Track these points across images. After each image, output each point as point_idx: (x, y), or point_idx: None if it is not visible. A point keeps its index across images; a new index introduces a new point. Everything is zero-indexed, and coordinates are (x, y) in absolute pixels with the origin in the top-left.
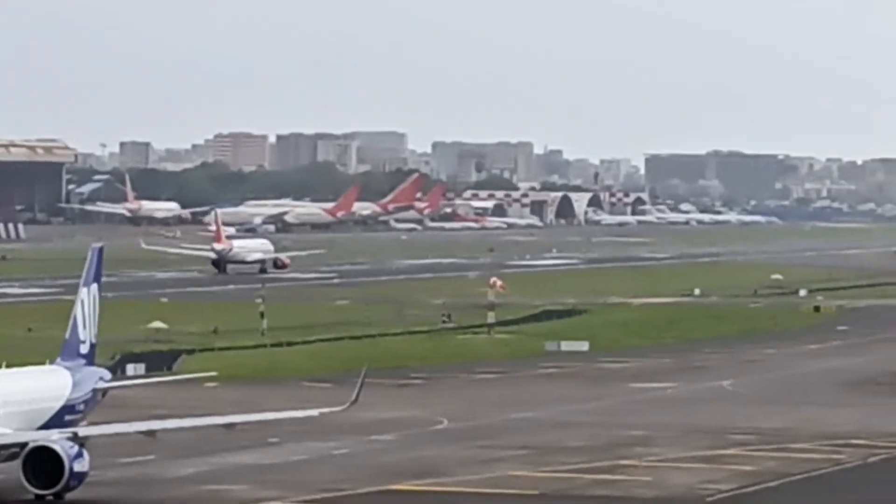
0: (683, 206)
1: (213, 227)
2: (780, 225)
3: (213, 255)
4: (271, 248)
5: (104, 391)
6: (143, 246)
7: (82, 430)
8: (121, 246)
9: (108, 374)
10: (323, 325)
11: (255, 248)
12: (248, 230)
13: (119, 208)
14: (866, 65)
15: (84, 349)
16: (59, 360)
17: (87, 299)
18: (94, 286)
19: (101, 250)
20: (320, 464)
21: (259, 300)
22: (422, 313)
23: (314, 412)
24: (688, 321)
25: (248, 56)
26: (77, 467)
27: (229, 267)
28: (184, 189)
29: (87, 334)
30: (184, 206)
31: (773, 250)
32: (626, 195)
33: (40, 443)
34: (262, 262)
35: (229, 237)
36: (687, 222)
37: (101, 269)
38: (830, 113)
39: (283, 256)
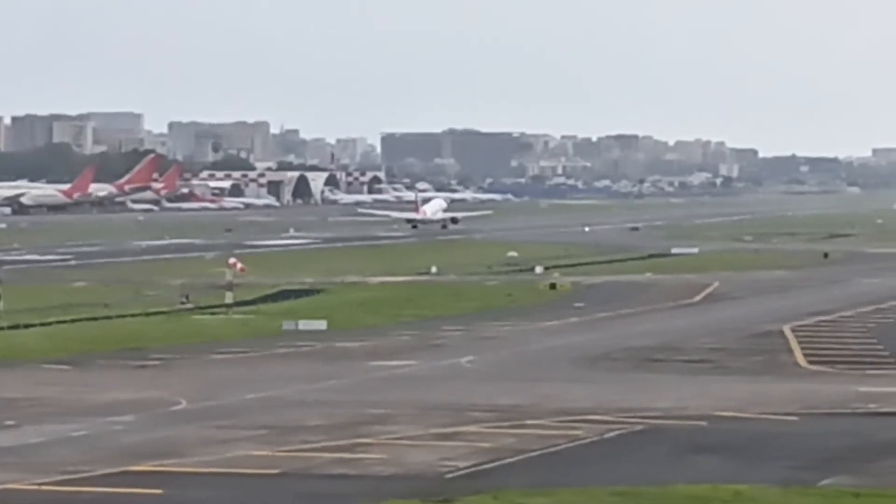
0: (420, 185)
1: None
2: (516, 202)
3: (413, 217)
4: (446, 205)
5: None
6: (359, 210)
7: None
8: None
9: None
10: (60, 307)
11: (438, 209)
12: None
13: None
14: (600, 42)
15: None
16: None
17: None
18: None
19: None
20: (59, 446)
21: None
22: (160, 294)
23: None
24: (425, 299)
25: None
26: None
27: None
28: None
29: None
30: None
31: (510, 227)
32: (363, 174)
33: None
34: (443, 220)
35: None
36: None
37: None
38: (565, 91)
39: (458, 215)
